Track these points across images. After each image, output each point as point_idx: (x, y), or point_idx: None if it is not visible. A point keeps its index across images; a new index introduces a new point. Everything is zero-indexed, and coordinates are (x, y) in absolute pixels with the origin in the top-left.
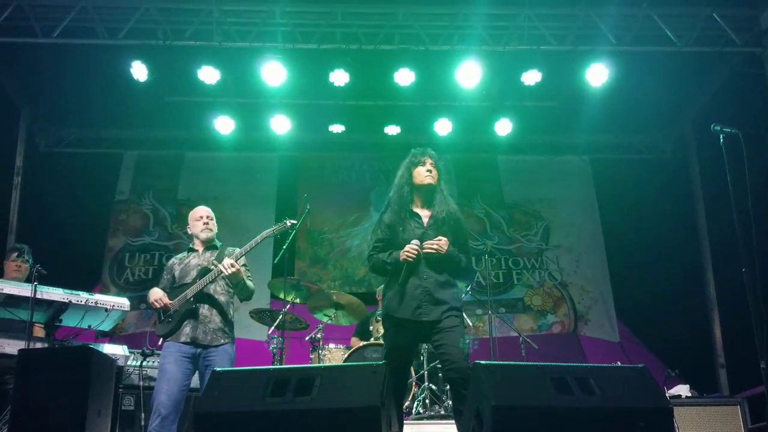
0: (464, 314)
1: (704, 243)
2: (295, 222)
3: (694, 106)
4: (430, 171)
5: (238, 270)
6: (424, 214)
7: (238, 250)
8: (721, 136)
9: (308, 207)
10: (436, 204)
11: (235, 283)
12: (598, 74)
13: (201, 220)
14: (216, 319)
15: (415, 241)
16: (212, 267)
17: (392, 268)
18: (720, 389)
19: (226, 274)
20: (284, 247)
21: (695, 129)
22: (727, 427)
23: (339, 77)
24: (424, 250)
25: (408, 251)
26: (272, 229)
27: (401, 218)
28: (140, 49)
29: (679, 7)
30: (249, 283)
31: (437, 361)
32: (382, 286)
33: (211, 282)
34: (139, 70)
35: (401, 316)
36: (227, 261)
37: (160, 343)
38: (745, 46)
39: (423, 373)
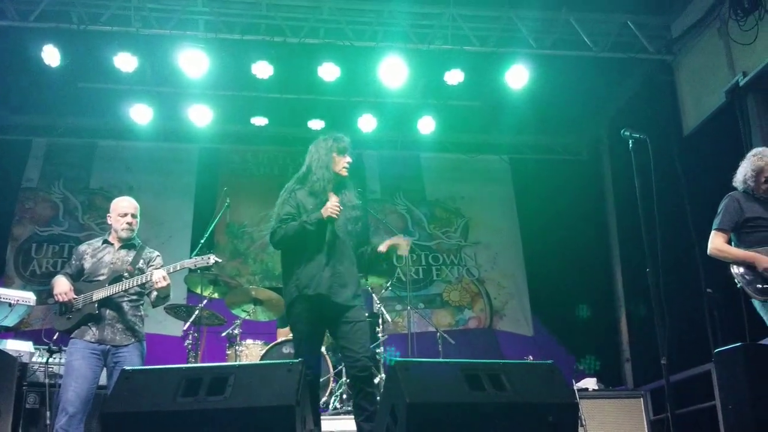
0: (383, 309)
1: (614, 243)
2: (220, 260)
3: (609, 110)
4: (347, 166)
5: (169, 284)
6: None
7: (157, 254)
8: (630, 141)
9: (228, 201)
10: (345, 192)
11: (163, 296)
12: (518, 76)
13: (125, 218)
14: (123, 319)
15: (335, 198)
16: (125, 275)
17: (314, 228)
18: (625, 382)
19: (157, 287)
20: (202, 241)
21: (609, 132)
22: (630, 417)
23: (262, 69)
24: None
25: (332, 208)
26: (194, 260)
27: (316, 197)
28: (53, 32)
29: (596, 14)
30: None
31: None
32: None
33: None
34: (51, 55)
35: (315, 292)
36: (160, 273)
37: (55, 337)
38: (657, 53)
39: (341, 369)
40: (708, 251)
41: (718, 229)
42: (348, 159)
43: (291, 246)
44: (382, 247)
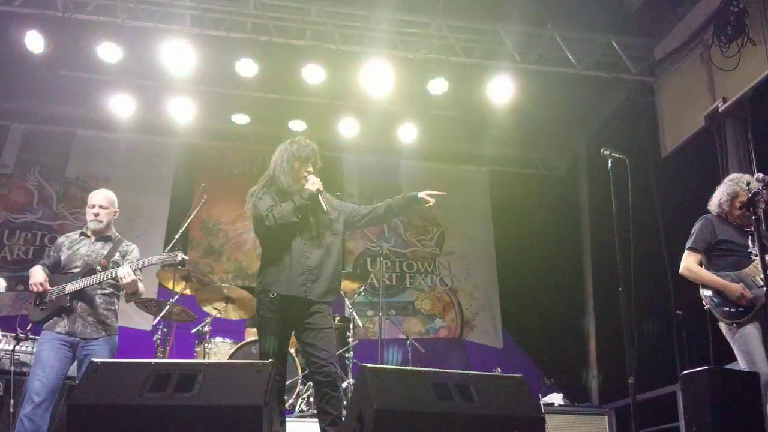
0: (355, 314)
1: (587, 260)
2: (187, 258)
3: (589, 128)
4: (306, 175)
5: (135, 281)
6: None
7: (133, 247)
8: (610, 161)
9: (205, 197)
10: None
11: (130, 292)
12: (501, 89)
13: (92, 209)
14: (95, 313)
15: (313, 176)
16: (98, 268)
17: (308, 202)
18: (591, 399)
19: (122, 283)
20: (177, 237)
21: (588, 150)
22: None
23: (246, 67)
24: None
25: (316, 182)
26: (162, 257)
27: (287, 197)
28: (37, 18)
29: (581, 32)
30: (141, 286)
31: None
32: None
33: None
34: (34, 41)
35: (285, 292)
36: (124, 270)
37: (29, 327)
38: (639, 74)
39: (309, 372)
40: (680, 270)
41: (690, 249)
42: (309, 169)
43: (282, 230)
44: (423, 194)
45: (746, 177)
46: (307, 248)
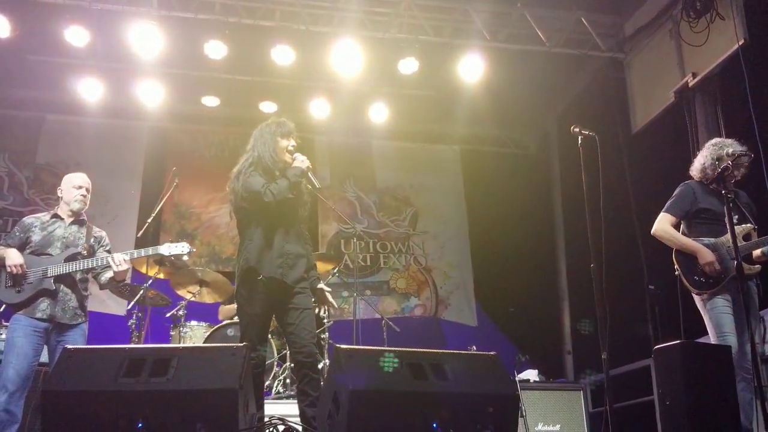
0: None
1: (559, 237)
2: (195, 250)
3: (560, 106)
4: (291, 149)
5: (128, 269)
6: None
7: (104, 233)
8: (579, 138)
9: (177, 181)
10: None
11: (120, 279)
12: (471, 68)
13: (80, 190)
14: (75, 297)
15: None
16: (83, 253)
17: (300, 179)
18: (566, 375)
19: (116, 270)
20: (149, 221)
21: (559, 127)
22: (570, 409)
23: (215, 49)
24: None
25: (304, 159)
26: (168, 246)
27: (274, 176)
28: (2, 2)
29: (550, 9)
30: None
31: None
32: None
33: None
34: (0, 25)
35: (265, 275)
36: (121, 257)
37: (1, 309)
38: (609, 51)
39: (285, 353)
40: (652, 230)
41: (667, 212)
42: (292, 142)
43: (277, 207)
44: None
45: (729, 141)
46: (289, 236)
